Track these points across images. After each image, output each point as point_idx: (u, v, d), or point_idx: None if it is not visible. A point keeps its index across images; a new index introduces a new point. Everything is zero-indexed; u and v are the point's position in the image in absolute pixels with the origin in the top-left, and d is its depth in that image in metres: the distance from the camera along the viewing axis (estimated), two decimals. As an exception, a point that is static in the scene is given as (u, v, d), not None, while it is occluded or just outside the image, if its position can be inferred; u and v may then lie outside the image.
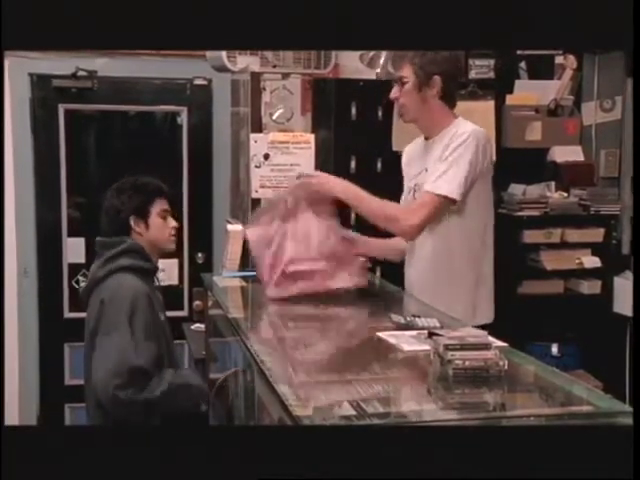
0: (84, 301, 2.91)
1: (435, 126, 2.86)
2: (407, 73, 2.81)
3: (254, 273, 3.25)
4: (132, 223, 2.91)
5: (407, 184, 2.98)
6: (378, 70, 4.00)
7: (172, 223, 3.01)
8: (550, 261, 4.31)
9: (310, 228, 2.67)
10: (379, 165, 4.02)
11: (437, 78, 2.79)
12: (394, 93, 2.87)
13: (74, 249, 4.69)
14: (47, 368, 4.73)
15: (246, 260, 3.36)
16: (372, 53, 3.97)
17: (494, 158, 2.85)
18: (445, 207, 2.74)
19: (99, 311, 2.74)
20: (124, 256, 2.84)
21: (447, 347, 1.86)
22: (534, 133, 4.42)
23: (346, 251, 2.75)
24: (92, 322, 2.78)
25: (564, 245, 4.34)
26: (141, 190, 2.95)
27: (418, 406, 1.84)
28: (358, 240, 2.87)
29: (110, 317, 2.70)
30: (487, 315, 2.85)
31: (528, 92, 4.46)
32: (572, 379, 2.00)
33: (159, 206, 2.97)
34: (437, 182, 2.72)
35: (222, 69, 3.96)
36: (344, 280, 2.68)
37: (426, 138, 2.91)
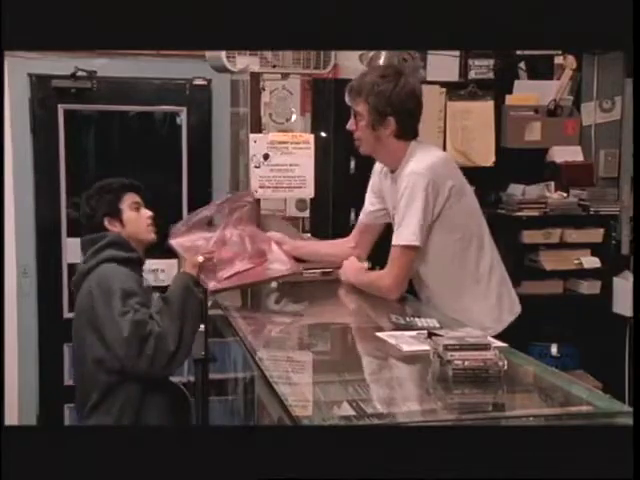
0: (73, 295, 2.92)
1: (394, 161, 2.83)
2: (362, 110, 2.77)
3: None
4: (107, 224, 2.92)
5: (390, 210, 2.95)
6: (377, 70, 4.00)
7: (147, 213, 2.99)
8: (549, 261, 4.32)
9: (237, 236, 2.86)
10: (378, 165, 4.01)
11: (391, 119, 2.74)
12: (350, 125, 2.84)
13: (74, 249, 4.65)
14: (46, 368, 4.73)
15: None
16: (372, 53, 3.97)
17: (454, 185, 2.76)
18: (413, 254, 2.74)
19: (90, 302, 2.74)
20: (108, 248, 2.85)
21: (447, 347, 1.86)
22: (533, 133, 4.42)
23: (273, 248, 2.89)
24: (84, 312, 2.78)
25: (563, 245, 4.34)
26: (107, 190, 2.95)
27: (418, 406, 1.84)
28: (286, 242, 3.02)
29: (103, 305, 2.69)
30: (514, 311, 2.88)
31: (527, 92, 4.46)
32: (571, 379, 2.00)
33: (129, 200, 2.96)
34: (396, 234, 2.74)
35: (221, 69, 3.95)
36: (279, 270, 2.83)
37: (391, 171, 2.88)
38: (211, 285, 2.75)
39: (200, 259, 2.78)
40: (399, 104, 2.73)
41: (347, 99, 2.83)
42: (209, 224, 2.95)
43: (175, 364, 2.69)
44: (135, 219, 2.95)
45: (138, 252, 2.95)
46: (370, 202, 3.06)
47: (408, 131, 2.79)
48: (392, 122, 2.74)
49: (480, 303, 2.80)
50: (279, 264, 2.84)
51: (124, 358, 2.64)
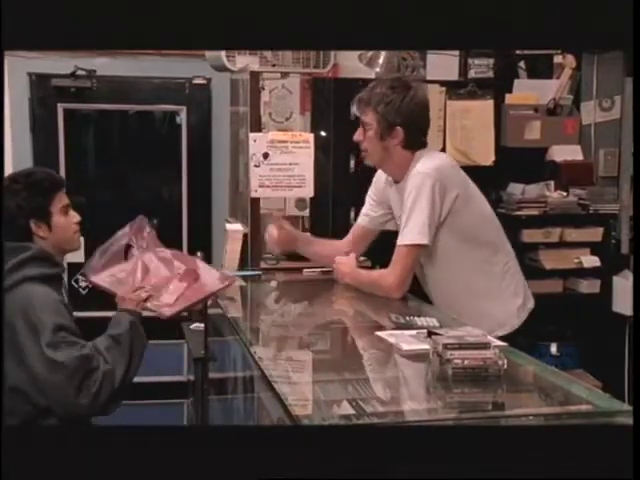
0: None
1: (399, 171, 2.85)
2: (370, 120, 2.80)
3: (253, 272, 3.27)
4: (33, 227, 2.61)
5: (397, 219, 2.97)
6: (377, 70, 4.00)
7: (75, 218, 2.71)
8: (549, 260, 4.31)
9: (158, 260, 2.78)
10: (378, 164, 4.01)
11: (399, 129, 2.77)
12: (357, 136, 2.87)
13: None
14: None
15: (245, 259, 3.37)
16: (371, 53, 3.97)
17: (462, 187, 2.80)
18: (418, 254, 2.76)
19: (13, 332, 2.44)
20: (29, 265, 2.54)
21: (446, 346, 1.86)
22: (533, 132, 4.42)
23: (199, 265, 2.84)
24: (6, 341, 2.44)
25: (563, 244, 4.34)
26: (37, 188, 2.63)
27: (418, 405, 1.84)
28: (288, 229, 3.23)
29: (31, 338, 2.42)
30: (527, 307, 2.99)
31: (527, 91, 4.46)
32: (571, 378, 2.00)
33: (59, 202, 2.66)
34: (402, 234, 2.74)
35: (221, 68, 3.96)
36: (216, 284, 2.79)
37: (395, 181, 2.90)
38: (165, 311, 2.66)
39: (144, 295, 2.64)
40: (408, 114, 2.77)
41: (355, 110, 2.87)
42: (124, 254, 2.84)
43: (115, 404, 2.47)
44: (64, 225, 2.66)
45: (62, 265, 2.68)
46: (372, 209, 3.09)
47: (415, 142, 2.82)
48: (400, 132, 2.77)
49: (495, 304, 2.85)
50: (213, 279, 2.80)
51: (57, 394, 2.42)
